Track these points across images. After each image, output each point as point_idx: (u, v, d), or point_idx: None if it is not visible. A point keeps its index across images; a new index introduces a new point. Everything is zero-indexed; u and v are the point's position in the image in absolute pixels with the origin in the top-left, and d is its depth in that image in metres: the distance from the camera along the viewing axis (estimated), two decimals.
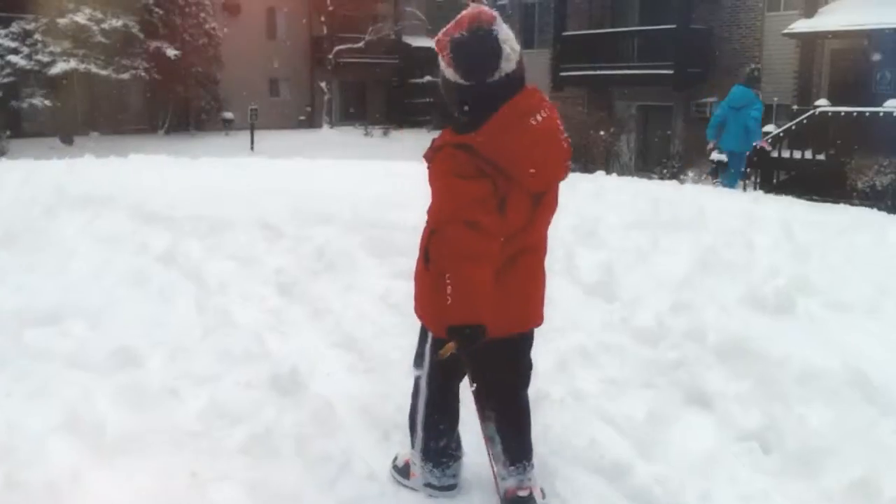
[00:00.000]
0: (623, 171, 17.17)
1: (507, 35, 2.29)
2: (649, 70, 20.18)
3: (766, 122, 13.04)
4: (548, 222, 2.50)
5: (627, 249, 5.56)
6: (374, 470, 2.82)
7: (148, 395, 3.27)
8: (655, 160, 20.70)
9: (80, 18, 24.65)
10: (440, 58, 2.32)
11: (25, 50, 25.12)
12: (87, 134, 26.28)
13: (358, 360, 3.80)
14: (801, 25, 17.35)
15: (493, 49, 2.25)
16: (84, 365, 3.54)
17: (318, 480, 2.75)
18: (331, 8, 32.67)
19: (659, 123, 21.63)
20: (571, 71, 21.71)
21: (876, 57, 16.41)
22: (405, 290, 4.07)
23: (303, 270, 5.03)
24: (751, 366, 3.56)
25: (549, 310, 2.64)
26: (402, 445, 2.97)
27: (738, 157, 10.36)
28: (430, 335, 2.55)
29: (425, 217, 2.47)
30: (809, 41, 17.90)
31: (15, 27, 25.19)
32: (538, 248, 2.51)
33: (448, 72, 2.31)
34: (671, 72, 19.74)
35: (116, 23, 25.35)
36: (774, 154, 14.44)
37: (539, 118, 2.31)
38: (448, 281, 2.24)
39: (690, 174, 15.07)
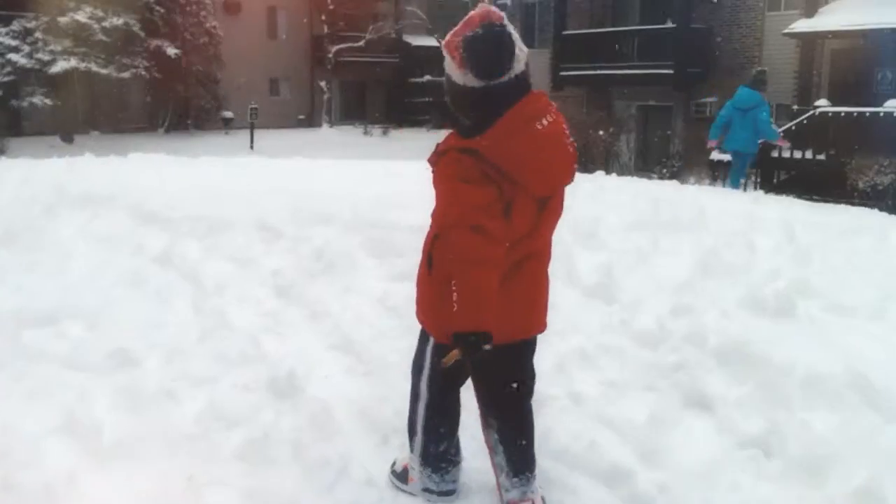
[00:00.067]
0: (623, 171, 17.15)
1: (516, 35, 2.28)
2: (649, 70, 20.14)
3: None
4: (553, 228, 2.47)
5: (627, 251, 5.54)
6: (372, 475, 2.80)
7: (145, 398, 3.25)
8: (655, 160, 20.68)
9: (81, 17, 24.63)
10: (448, 60, 2.28)
11: (26, 48, 25.11)
12: (88, 132, 26.27)
13: (356, 362, 3.78)
14: (802, 25, 17.32)
15: (507, 46, 2.23)
16: (81, 366, 3.53)
17: (316, 486, 2.73)
18: (331, 7, 32.68)
19: (659, 123, 21.60)
20: (571, 70, 21.67)
21: (876, 57, 16.39)
22: (404, 292, 4.07)
23: (301, 272, 5.01)
24: (752, 370, 3.53)
25: (548, 312, 2.61)
26: (401, 450, 2.94)
27: (743, 157, 10.31)
28: (431, 339, 2.52)
29: (429, 221, 2.45)
30: (810, 41, 17.87)
31: (16, 25, 25.18)
32: (543, 254, 2.48)
33: (457, 74, 2.27)
34: (671, 71, 19.70)
35: (117, 21, 25.33)
36: (775, 154, 14.40)
37: (545, 122, 2.28)
38: (454, 287, 2.21)
39: (693, 180, 15.05)
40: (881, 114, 14.43)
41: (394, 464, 2.82)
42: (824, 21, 17.06)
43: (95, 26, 24.91)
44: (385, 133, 31.76)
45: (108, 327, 4.02)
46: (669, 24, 19.82)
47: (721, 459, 2.96)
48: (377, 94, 36.47)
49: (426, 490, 2.68)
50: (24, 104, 25.29)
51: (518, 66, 2.25)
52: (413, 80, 35.23)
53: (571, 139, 2.38)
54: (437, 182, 2.30)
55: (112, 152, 11.35)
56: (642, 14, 21.88)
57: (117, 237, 5.73)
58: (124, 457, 2.82)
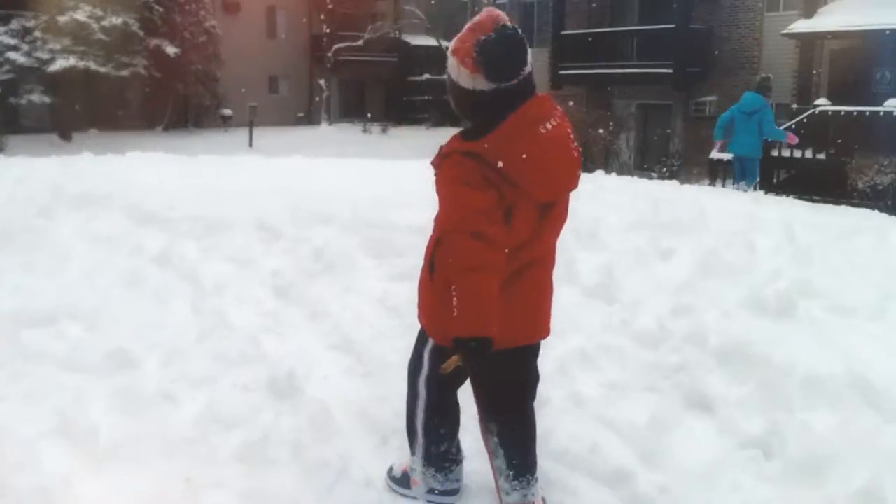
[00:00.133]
0: (622, 170, 17.16)
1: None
2: (649, 69, 20.15)
3: None
4: (557, 234, 2.44)
5: (627, 251, 5.52)
6: (372, 476, 2.78)
7: (143, 399, 3.24)
8: (655, 159, 20.69)
9: (80, 16, 24.62)
10: (456, 65, 2.24)
11: (25, 47, 25.11)
12: (86, 131, 26.25)
13: (356, 363, 3.76)
14: (801, 26, 17.33)
15: (524, 48, 2.23)
16: (79, 367, 3.52)
17: (316, 487, 2.71)
18: (330, 6, 32.67)
19: (658, 122, 21.62)
20: (570, 70, 21.68)
21: (875, 57, 16.39)
22: (404, 292, 4.06)
23: (300, 272, 4.99)
24: (752, 370, 3.52)
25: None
26: (400, 451, 2.93)
27: (751, 161, 10.26)
28: (430, 341, 2.51)
29: (429, 222, 2.43)
30: (809, 41, 17.87)
31: (15, 24, 25.17)
32: (546, 260, 2.46)
33: (466, 79, 2.23)
34: (670, 71, 19.71)
35: (116, 20, 25.32)
36: (774, 153, 14.40)
37: (549, 126, 2.26)
38: (454, 292, 2.19)
39: (693, 179, 15.05)
40: (881, 113, 14.43)
41: (391, 470, 2.79)
42: (823, 22, 17.07)
43: (94, 25, 24.90)
44: (384, 131, 31.77)
45: (107, 328, 4.00)
46: (669, 24, 19.82)
47: (722, 460, 2.95)
48: (376, 92, 36.48)
49: (431, 491, 2.66)
50: (23, 102, 25.29)
51: (527, 68, 2.25)
52: (412, 78, 35.24)
53: (576, 144, 2.36)
54: (440, 185, 2.28)
55: (111, 150, 11.32)
56: (641, 14, 21.88)
57: (115, 237, 5.71)
58: (122, 459, 2.80)
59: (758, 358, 3.59)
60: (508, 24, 2.23)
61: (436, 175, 2.30)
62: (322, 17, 33.03)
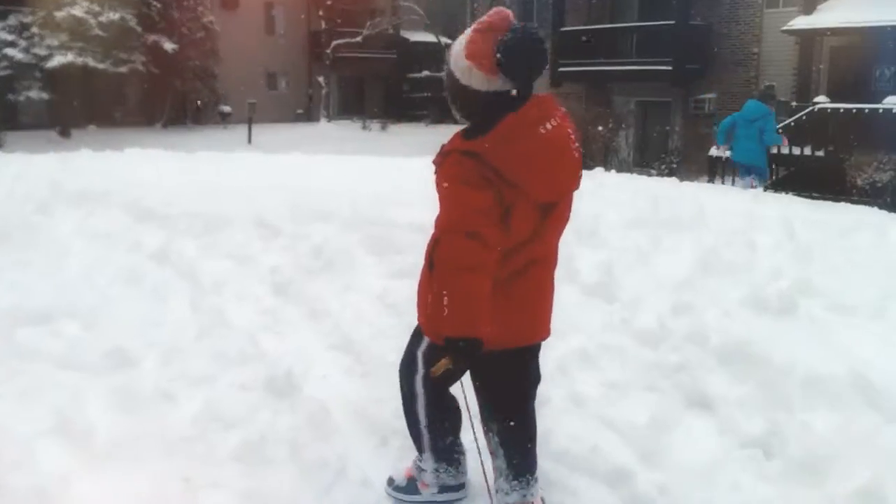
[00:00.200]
0: (622, 167, 17.14)
1: None
2: (648, 66, 20.14)
3: None
4: (559, 234, 2.42)
5: (627, 249, 5.51)
6: (370, 477, 2.77)
7: (141, 398, 3.22)
8: (654, 156, 20.68)
9: (78, 11, 24.56)
10: (469, 67, 2.20)
11: (23, 43, 25.04)
12: (85, 127, 26.20)
13: (355, 362, 3.75)
14: (800, 22, 17.31)
15: (544, 46, 2.21)
16: (76, 366, 3.50)
17: (314, 487, 2.70)
18: (329, 2, 32.60)
19: (658, 119, 21.60)
20: (570, 66, 21.66)
21: (875, 54, 16.37)
22: (403, 289, 4.04)
23: (300, 269, 4.97)
24: (753, 369, 3.50)
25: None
26: (400, 451, 2.92)
27: (759, 170, 10.21)
28: (424, 341, 2.50)
29: (430, 219, 2.41)
30: (808, 38, 17.85)
31: (12, 20, 25.11)
32: (547, 261, 2.44)
33: (479, 79, 2.20)
34: (670, 68, 19.70)
35: (114, 16, 25.26)
36: (774, 150, 14.39)
37: (549, 126, 2.24)
38: (444, 292, 2.18)
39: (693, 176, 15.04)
40: (880, 110, 14.43)
41: (391, 481, 2.74)
42: (823, 18, 17.05)
43: (92, 21, 24.83)
44: (383, 128, 31.70)
45: (105, 326, 3.99)
46: (668, 21, 19.80)
47: (722, 460, 2.94)
48: (375, 89, 36.42)
49: (443, 489, 2.65)
50: (21, 98, 25.24)
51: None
52: (411, 75, 35.18)
53: (577, 144, 2.34)
54: (440, 183, 2.26)
55: (109, 147, 11.31)
56: (641, 10, 21.86)
57: (114, 234, 5.70)
58: (119, 458, 2.79)
59: (758, 357, 3.58)
60: (527, 24, 2.21)
61: (436, 174, 2.29)
62: (320, 13, 32.96)
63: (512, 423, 2.51)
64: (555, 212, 2.32)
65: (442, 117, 30.63)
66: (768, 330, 3.93)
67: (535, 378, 2.58)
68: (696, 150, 18.58)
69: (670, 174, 15.79)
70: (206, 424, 3.05)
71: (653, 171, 17.56)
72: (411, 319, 2.61)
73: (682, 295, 4.45)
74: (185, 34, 27.94)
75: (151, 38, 26.88)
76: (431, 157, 2.34)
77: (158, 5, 27.22)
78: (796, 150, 14.34)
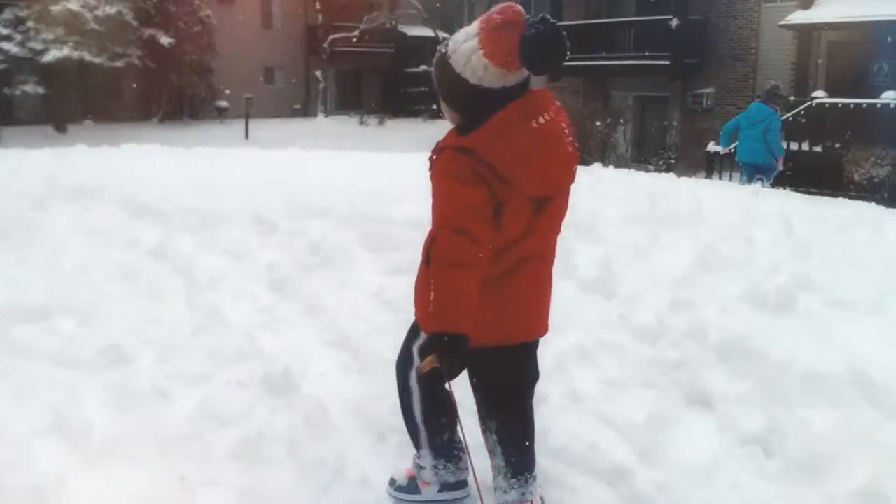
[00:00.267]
0: (619, 163, 17.11)
1: None
2: (646, 61, 20.12)
3: None
4: (556, 230, 2.40)
5: (625, 244, 5.50)
6: (368, 475, 2.76)
7: (137, 396, 3.20)
8: (652, 151, 20.67)
9: (74, 6, 24.50)
10: (485, 66, 2.15)
11: (18, 37, 24.99)
12: (81, 122, 26.15)
13: (352, 359, 3.73)
14: (798, 17, 17.30)
15: (566, 38, 2.18)
16: (72, 363, 3.48)
17: (312, 485, 2.69)
18: None
19: (656, 114, 21.59)
20: (568, 61, 21.60)
21: (873, 49, 16.37)
22: (400, 286, 4.02)
23: (297, 266, 4.96)
24: (752, 366, 3.49)
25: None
26: (398, 448, 2.91)
27: (766, 167, 10.13)
28: (421, 336, 2.48)
29: (427, 216, 2.40)
30: (806, 32, 17.84)
31: (7, 14, 25.05)
32: (544, 256, 2.41)
33: (492, 76, 2.16)
34: (668, 62, 19.68)
35: (110, 10, 25.21)
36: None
37: (542, 120, 2.21)
38: (431, 287, 2.17)
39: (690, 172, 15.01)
40: (878, 105, 14.42)
41: (393, 482, 2.72)
42: (821, 13, 17.04)
43: (88, 15, 24.77)
44: (381, 123, 31.65)
45: (101, 323, 3.97)
46: (666, 15, 19.76)
47: (721, 458, 2.93)
48: (373, 83, 36.35)
49: (444, 486, 2.64)
50: (17, 93, 25.19)
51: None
52: (409, 70, 35.10)
53: (571, 138, 2.31)
54: (434, 179, 2.24)
55: (105, 142, 11.28)
56: (639, 5, 21.83)
57: (110, 230, 5.68)
58: (116, 456, 2.76)
59: (757, 354, 3.57)
60: (543, 15, 2.18)
61: (430, 170, 2.27)
62: (318, 6, 32.89)
63: (510, 421, 2.50)
64: (550, 207, 2.29)
65: (439, 112, 30.54)
66: (767, 326, 3.92)
67: (532, 375, 2.56)
68: (694, 145, 18.57)
69: (668, 170, 15.80)
70: (203, 422, 3.03)
71: (651, 167, 17.55)
72: (408, 316, 2.60)
73: (680, 291, 4.44)
74: (182, 28, 27.89)
75: (148, 32, 26.84)
76: (428, 153, 2.33)
77: None
78: (794, 146, 14.32)
